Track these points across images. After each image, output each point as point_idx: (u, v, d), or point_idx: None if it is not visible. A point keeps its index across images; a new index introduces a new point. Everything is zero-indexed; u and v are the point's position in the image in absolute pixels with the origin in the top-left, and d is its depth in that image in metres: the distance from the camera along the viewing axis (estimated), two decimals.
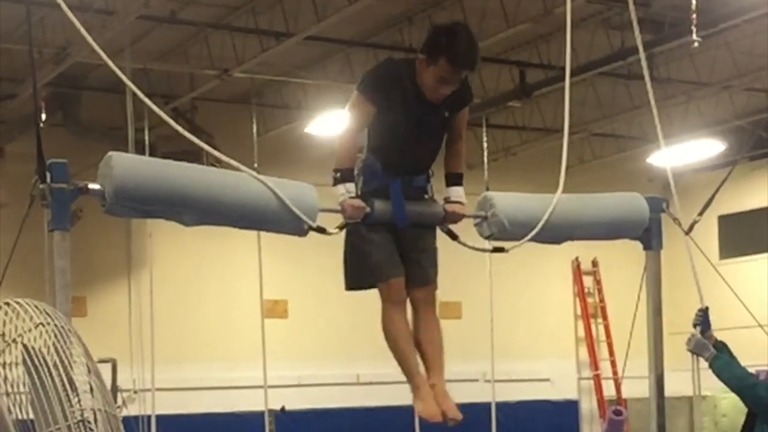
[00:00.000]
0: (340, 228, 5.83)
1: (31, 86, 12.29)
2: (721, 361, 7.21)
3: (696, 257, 7.21)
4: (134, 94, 14.50)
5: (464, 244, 6.17)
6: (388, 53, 15.77)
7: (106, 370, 14.42)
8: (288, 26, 14.19)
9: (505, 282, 17.79)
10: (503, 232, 6.07)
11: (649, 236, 6.62)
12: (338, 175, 5.77)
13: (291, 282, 18.55)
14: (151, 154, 16.06)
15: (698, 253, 7.25)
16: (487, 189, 9.15)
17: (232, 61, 15.18)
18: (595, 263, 20.89)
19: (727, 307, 14.42)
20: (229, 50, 15.07)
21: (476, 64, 5.80)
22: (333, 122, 16.47)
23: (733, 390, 7.28)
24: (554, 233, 6.26)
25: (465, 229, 6.32)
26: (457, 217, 5.98)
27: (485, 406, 16.04)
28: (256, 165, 16.87)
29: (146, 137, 16.11)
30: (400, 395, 17.91)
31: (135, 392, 16.60)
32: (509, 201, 6.12)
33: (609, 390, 20.15)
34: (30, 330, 3.40)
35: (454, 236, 6.09)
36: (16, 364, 3.38)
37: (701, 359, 7.18)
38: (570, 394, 20.77)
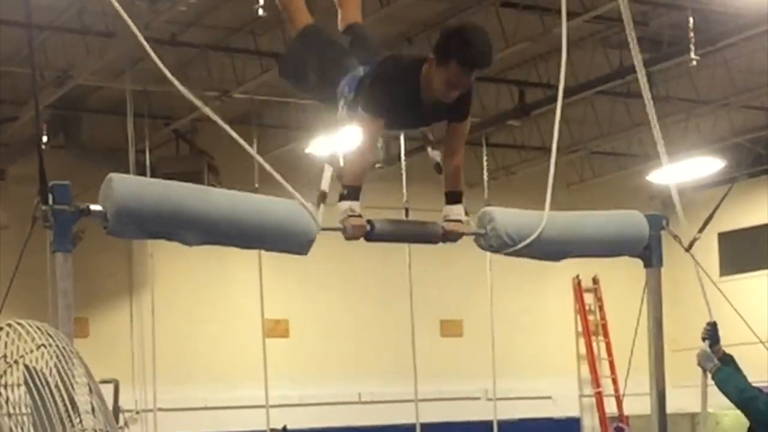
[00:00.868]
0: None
1: (33, 108, 12.37)
2: (724, 373, 7.23)
3: (695, 274, 7.23)
4: (135, 116, 14.63)
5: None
6: None
7: (108, 391, 14.42)
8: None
9: (506, 300, 17.84)
10: (503, 246, 6.10)
11: (649, 254, 6.64)
12: (345, 192, 5.77)
13: (292, 301, 18.58)
14: (152, 175, 16.12)
15: (696, 268, 7.28)
16: None
17: (232, 83, 15.23)
18: (595, 280, 20.91)
19: (728, 324, 14.42)
20: (229, 72, 15.13)
21: (489, 62, 5.78)
22: (334, 142, 16.51)
23: (734, 402, 7.30)
24: (553, 249, 6.29)
25: (464, 243, 6.35)
26: (455, 236, 6.01)
27: (487, 424, 16.08)
28: (257, 185, 16.91)
29: (147, 158, 16.17)
30: (402, 414, 18.02)
31: (137, 413, 16.63)
32: (508, 216, 6.16)
33: (611, 407, 20.13)
34: (32, 351, 3.43)
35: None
36: (18, 385, 3.40)
37: (709, 376, 7.20)
38: (572, 412, 20.77)
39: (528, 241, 6.10)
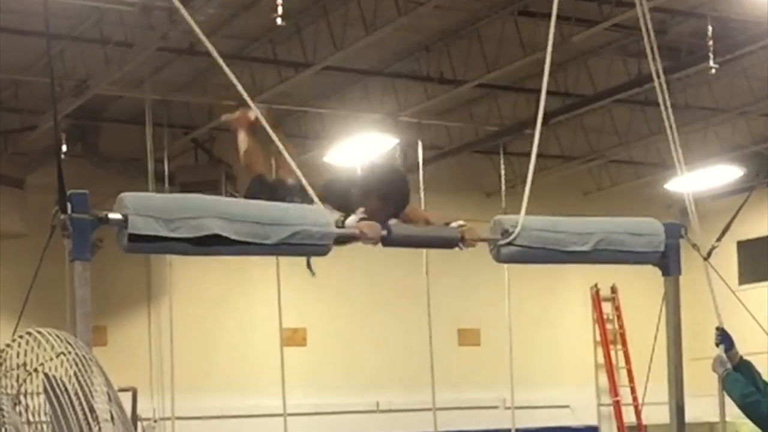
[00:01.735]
0: None
1: (51, 118, 12.40)
2: (731, 377, 7.20)
3: (715, 283, 7.22)
4: (154, 125, 14.67)
5: None
6: (405, 82, 15.86)
7: (126, 399, 14.45)
8: (306, 56, 14.27)
9: (523, 309, 17.82)
10: (518, 253, 6.09)
11: (667, 262, 6.63)
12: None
13: (309, 310, 18.58)
14: (170, 185, 16.17)
15: (718, 278, 7.26)
16: None
17: (250, 92, 15.18)
18: (614, 289, 20.86)
19: (747, 332, 14.37)
20: (247, 80, 15.14)
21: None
22: (352, 151, 16.54)
23: (739, 407, 7.25)
24: (567, 255, 6.29)
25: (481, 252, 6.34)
26: (473, 241, 6.04)
27: None
28: None
29: (166, 167, 16.20)
30: (420, 423, 17.98)
31: (155, 421, 16.64)
32: (522, 223, 6.16)
33: (629, 416, 20.07)
34: (51, 359, 3.44)
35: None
36: (38, 393, 3.42)
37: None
38: (590, 421, 20.71)
39: (541, 245, 6.11)
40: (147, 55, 13.28)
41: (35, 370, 3.46)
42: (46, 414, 3.45)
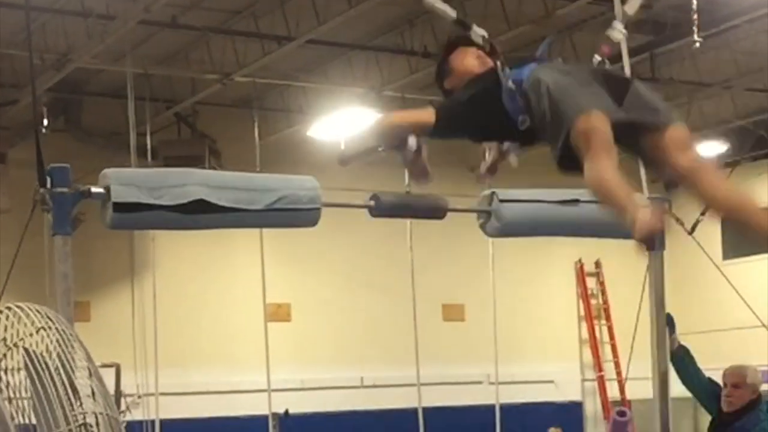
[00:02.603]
0: None
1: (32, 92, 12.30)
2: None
3: (700, 258, 7.21)
4: (136, 99, 14.57)
5: None
6: (389, 56, 15.79)
7: (109, 375, 14.40)
8: (289, 30, 14.19)
9: (508, 284, 17.79)
10: (507, 227, 6.06)
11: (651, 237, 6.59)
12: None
13: (294, 285, 18.54)
14: (152, 159, 16.10)
15: (702, 253, 7.25)
16: None
17: (233, 66, 15.17)
18: (598, 264, 20.84)
19: (731, 307, 14.46)
20: (230, 54, 15.07)
21: None
22: (335, 125, 16.48)
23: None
24: (554, 228, 6.26)
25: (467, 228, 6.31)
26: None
27: (489, 409, 16.05)
28: (258, 169, 16.86)
29: (148, 142, 16.13)
30: (404, 398, 17.98)
31: (139, 397, 16.59)
32: (510, 195, 6.13)
33: (613, 391, 20.12)
34: (31, 334, 3.40)
35: None
36: (18, 369, 3.38)
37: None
38: (574, 396, 20.75)
39: (523, 220, 6.07)
40: (129, 28, 13.18)
41: (15, 345, 3.41)
42: (26, 391, 3.41)
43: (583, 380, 20.93)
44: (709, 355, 19.54)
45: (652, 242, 5.47)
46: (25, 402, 3.43)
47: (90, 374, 3.36)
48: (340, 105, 15.99)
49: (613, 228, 6.40)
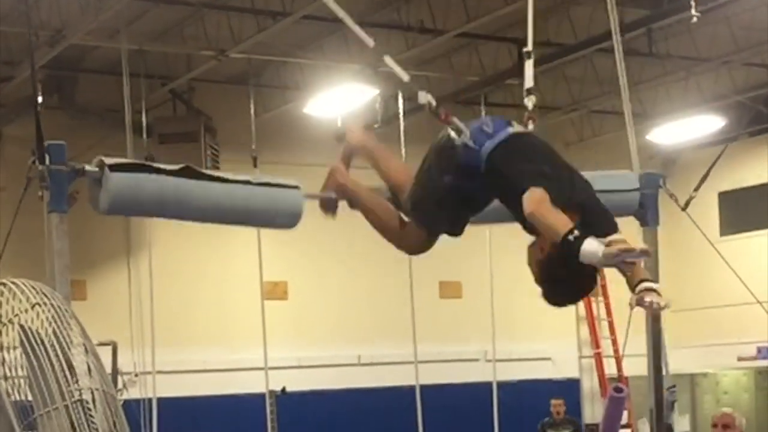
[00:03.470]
0: None
1: (28, 68, 12.24)
2: None
3: (696, 234, 7.16)
4: (131, 76, 14.50)
5: None
6: (386, 32, 15.70)
7: (106, 353, 14.38)
8: (284, 5, 14.11)
9: (504, 262, 17.67)
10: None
11: (645, 213, 6.55)
12: (571, 237, 4.61)
13: (290, 263, 18.50)
14: (148, 136, 16.03)
15: (698, 230, 7.20)
16: None
17: (228, 42, 15.10)
18: None
19: (728, 284, 14.39)
20: (225, 30, 14.99)
21: None
22: (331, 102, 16.41)
23: None
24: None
25: None
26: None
27: (487, 386, 16.04)
28: (254, 146, 16.81)
29: (144, 119, 16.07)
30: (401, 376, 17.98)
31: (136, 375, 16.53)
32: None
33: (611, 368, 20.10)
34: (26, 310, 3.36)
35: None
36: (15, 347, 3.34)
37: None
38: (571, 373, 20.74)
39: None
40: (123, 4, 13.10)
41: (10, 321, 3.37)
42: (22, 368, 3.38)
43: (581, 357, 20.92)
44: (706, 332, 19.70)
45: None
46: (22, 380, 3.39)
47: (86, 351, 3.32)
48: (337, 81, 15.93)
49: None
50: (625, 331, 8.56)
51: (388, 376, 18.23)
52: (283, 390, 17.26)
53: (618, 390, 6.62)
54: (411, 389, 16.98)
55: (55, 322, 3.33)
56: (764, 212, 19.93)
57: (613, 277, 17.65)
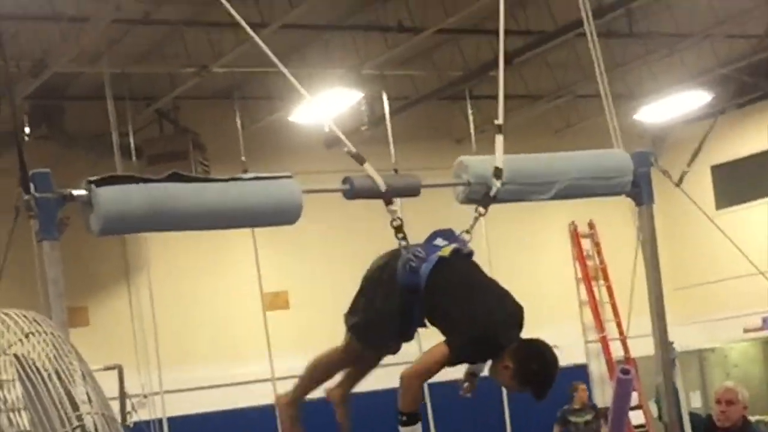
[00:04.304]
0: None
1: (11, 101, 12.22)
2: None
3: (692, 210, 7.15)
4: (116, 99, 14.47)
5: None
6: (365, 34, 15.71)
7: (112, 378, 14.36)
8: (263, 16, 14.10)
9: (503, 252, 17.75)
10: (482, 196, 5.96)
11: (639, 192, 6.52)
12: (404, 418, 5.70)
13: (289, 272, 18.47)
14: (137, 157, 16.02)
15: (694, 204, 7.19)
16: None
17: (210, 57, 15.09)
18: (591, 225, 20.77)
19: (728, 257, 14.40)
20: (206, 46, 14.99)
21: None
22: (317, 108, 16.41)
23: None
24: (537, 189, 6.19)
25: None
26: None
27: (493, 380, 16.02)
28: (243, 158, 16.80)
29: (131, 141, 16.06)
30: None
31: (144, 396, 16.54)
32: (485, 162, 6.03)
33: (617, 351, 20.08)
34: (20, 340, 3.33)
35: None
36: (12, 380, 3.31)
37: None
38: (578, 359, 20.69)
39: (502, 186, 5.97)
40: (102, 29, 13.09)
41: (4, 352, 3.35)
42: (19, 399, 3.35)
43: (587, 342, 20.90)
44: (710, 307, 19.71)
45: None
46: (22, 412, 3.37)
47: (83, 376, 3.31)
48: (321, 88, 15.93)
49: (597, 188, 6.38)
50: (627, 312, 8.54)
51: (396, 377, 18.14)
52: None
53: (625, 372, 6.59)
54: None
55: (51, 349, 3.31)
56: (759, 182, 19.94)
57: (612, 260, 17.63)
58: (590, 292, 20.56)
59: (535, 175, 6.18)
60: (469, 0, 14.35)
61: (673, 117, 19.22)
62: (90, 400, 3.12)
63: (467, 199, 6.00)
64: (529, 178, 6.14)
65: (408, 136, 17.86)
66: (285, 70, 5.76)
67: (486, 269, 16.60)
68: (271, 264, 17.27)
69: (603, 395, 19.36)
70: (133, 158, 15.93)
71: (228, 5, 5.52)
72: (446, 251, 5.71)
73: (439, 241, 5.79)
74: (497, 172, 5.88)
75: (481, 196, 5.96)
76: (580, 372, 20.64)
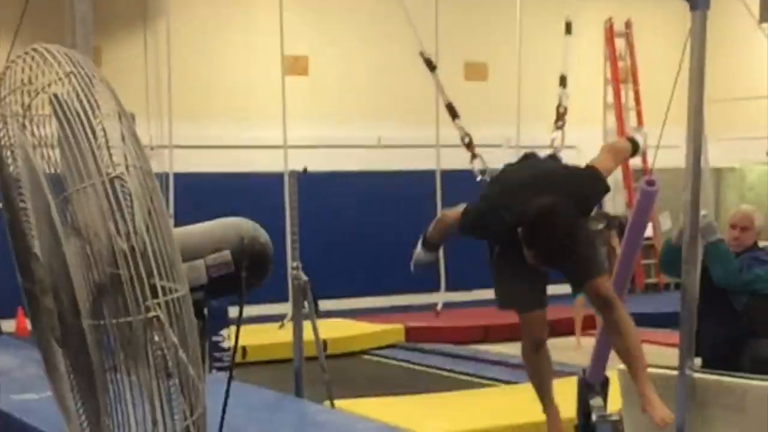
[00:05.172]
0: None
1: None
2: (722, 248, 6.84)
3: (734, 21, 6.84)
4: None
5: None
6: None
7: None
8: None
9: (533, 43, 17.28)
10: None
11: None
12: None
13: (313, 37, 17.97)
14: None
15: (736, 15, 6.89)
16: None
17: None
18: (628, 25, 20.07)
19: (763, 75, 13.99)
20: None
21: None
22: None
23: (727, 282, 6.85)
24: None
25: None
26: None
27: None
28: None
29: None
30: (421, 159, 17.81)
31: (152, 149, 16.16)
32: None
33: (634, 160, 19.80)
34: (60, 79, 3.06)
35: None
36: (47, 116, 3.08)
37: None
38: None
39: None
40: None
41: (43, 90, 3.09)
42: (52, 137, 3.12)
43: None
44: (736, 125, 19.32)
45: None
46: (51, 151, 3.14)
47: (120, 120, 3.07)
48: None
49: None
50: (654, 121, 8.29)
51: (409, 159, 17.94)
52: (305, 170, 17.00)
53: (650, 183, 6.40)
54: (431, 173, 16.82)
55: (89, 92, 3.04)
56: None
57: (643, 65, 17.07)
58: (617, 95, 20.07)
59: None
60: None
61: None
62: (124, 141, 2.92)
63: None
64: None
65: None
66: None
67: (515, 60, 16.07)
68: (294, 25, 16.79)
69: (614, 203, 19.12)
70: None
71: None
72: None
73: None
74: None
75: None
76: None
